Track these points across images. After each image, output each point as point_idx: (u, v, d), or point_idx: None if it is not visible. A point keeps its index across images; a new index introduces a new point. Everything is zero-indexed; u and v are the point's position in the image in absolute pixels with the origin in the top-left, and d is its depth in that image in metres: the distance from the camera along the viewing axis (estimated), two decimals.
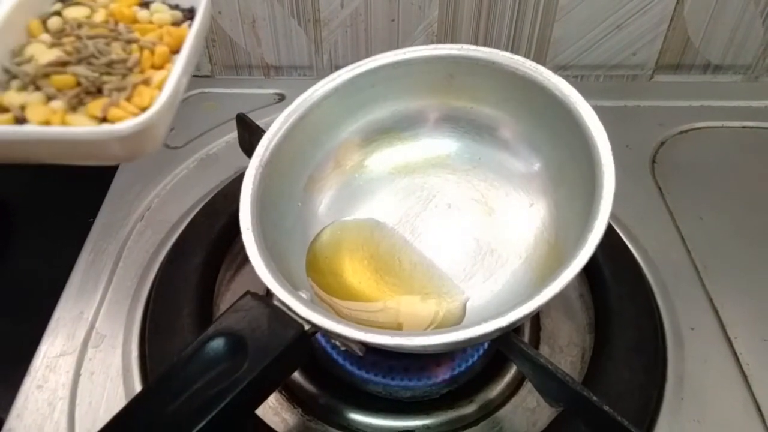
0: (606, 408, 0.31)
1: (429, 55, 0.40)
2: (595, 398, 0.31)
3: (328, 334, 0.32)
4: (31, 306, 0.53)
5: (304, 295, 0.33)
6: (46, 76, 0.22)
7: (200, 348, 0.31)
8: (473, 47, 0.40)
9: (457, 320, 0.38)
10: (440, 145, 0.44)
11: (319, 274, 0.40)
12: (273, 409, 0.40)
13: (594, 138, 0.34)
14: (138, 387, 0.40)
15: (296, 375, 0.40)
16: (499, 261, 0.40)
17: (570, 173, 0.37)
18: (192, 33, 0.26)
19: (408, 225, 0.43)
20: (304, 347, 0.33)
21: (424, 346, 0.30)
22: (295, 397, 0.40)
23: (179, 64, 0.25)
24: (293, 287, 0.33)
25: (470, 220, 0.42)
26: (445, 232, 0.42)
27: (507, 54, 0.39)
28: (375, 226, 0.42)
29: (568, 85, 0.36)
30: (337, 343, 0.33)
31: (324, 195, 0.43)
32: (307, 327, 0.31)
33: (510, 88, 0.39)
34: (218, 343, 0.31)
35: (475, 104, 0.42)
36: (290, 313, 0.32)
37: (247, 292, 0.33)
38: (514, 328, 0.42)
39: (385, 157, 0.44)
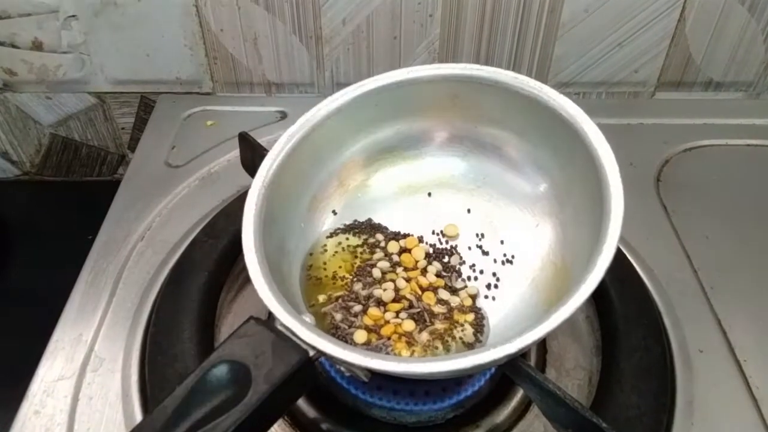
0: None
1: (433, 75, 0.40)
2: (605, 425, 0.31)
3: (332, 360, 0.31)
4: (30, 326, 0.52)
5: (307, 319, 0.33)
6: None
7: (202, 376, 0.30)
8: (477, 66, 0.39)
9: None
10: (444, 164, 0.44)
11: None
12: None
13: (601, 158, 0.33)
14: (137, 412, 0.39)
15: (299, 400, 0.39)
16: (505, 283, 0.40)
17: (576, 194, 0.37)
18: None
19: None
20: (309, 373, 0.32)
21: (431, 373, 0.29)
22: (298, 422, 0.40)
23: None
24: (296, 310, 0.32)
25: (474, 241, 0.42)
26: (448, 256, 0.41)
27: (511, 73, 0.38)
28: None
29: (574, 105, 0.36)
30: (342, 368, 0.32)
31: (327, 215, 0.43)
32: (311, 353, 0.31)
33: (515, 107, 0.39)
34: (221, 371, 0.30)
35: (479, 124, 0.42)
36: (294, 339, 0.31)
37: (250, 318, 0.33)
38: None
39: (389, 177, 0.44)
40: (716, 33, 0.63)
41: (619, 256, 0.46)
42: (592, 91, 0.67)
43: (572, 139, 0.35)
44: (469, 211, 0.43)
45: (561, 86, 0.66)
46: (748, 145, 0.60)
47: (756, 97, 0.68)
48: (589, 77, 0.66)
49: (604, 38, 0.63)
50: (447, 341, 0.36)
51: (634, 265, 0.47)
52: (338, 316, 0.37)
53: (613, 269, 0.44)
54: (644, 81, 0.66)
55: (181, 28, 0.62)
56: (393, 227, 0.43)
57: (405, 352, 0.35)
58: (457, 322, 0.37)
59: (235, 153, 0.50)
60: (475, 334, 0.36)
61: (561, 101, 0.36)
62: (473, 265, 0.41)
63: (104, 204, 0.54)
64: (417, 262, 0.40)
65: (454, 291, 0.39)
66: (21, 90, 0.67)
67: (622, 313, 0.42)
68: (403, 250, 0.41)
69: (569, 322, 0.44)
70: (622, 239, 0.48)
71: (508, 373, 0.35)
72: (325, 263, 0.40)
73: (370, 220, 0.43)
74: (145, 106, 0.68)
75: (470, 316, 0.37)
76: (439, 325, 0.36)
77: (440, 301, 0.38)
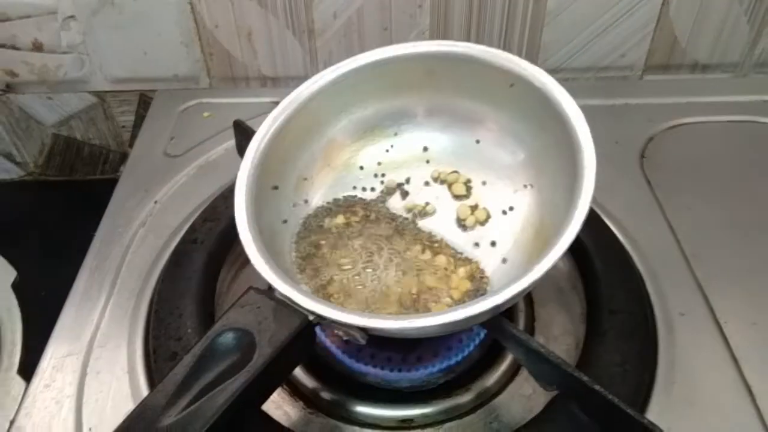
0: (597, 387, 0.32)
1: (408, 53, 0.42)
2: (586, 378, 0.32)
3: (331, 323, 0.32)
4: (37, 325, 0.53)
5: (304, 288, 0.34)
6: None
7: (209, 344, 0.32)
8: (450, 43, 0.41)
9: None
10: (425, 139, 0.45)
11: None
12: (275, 403, 0.40)
13: (572, 122, 0.35)
14: (143, 385, 0.41)
15: (297, 370, 0.41)
16: (490, 247, 0.41)
17: (552, 159, 0.38)
18: None
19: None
20: (309, 337, 0.33)
21: (424, 327, 0.31)
22: (297, 391, 0.41)
23: None
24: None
25: (458, 210, 0.43)
26: (435, 224, 0.43)
27: (483, 47, 0.40)
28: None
29: (544, 74, 0.38)
30: (340, 332, 0.33)
31: (315, 194, 0.44)
32: (311, 317, 0.32)
33: (489, 80, 0.40)
34: (226, 338, 0.32)
35: (456, 98, 0.43)
36: (293, 306, 0.32)
37: (250, 288, 0.34)
38: (511, 319, 0.43)
39: (373, 154, 0.45)
40: (700, 16, 0.64)
41: (603, 227, 0.48)
42: (581, 76, 0.68)
43: (545, 107, 0.37)
44: (449, 184, 0.44)
45: (550, 72, 0.65)
46: (730, 121, 0.61)
47: (743, 77, 0.69)
48: (578, 63, 0.67)
49: (591, 24, 0.64)
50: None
51: (618, 236, 0.48)
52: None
53: (598, 240, 0.46)
54: (631, 65, 0.67)
55: (176, 25, 0.64)
56: (377, 203, 0.44)
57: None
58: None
59: (232, 142, 0.52)
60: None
61: (532, 70, 0.38)
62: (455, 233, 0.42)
63: (107, 202, 0.56)
64: (408, 243, 0.41)
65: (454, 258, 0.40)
66: (23, 91, 0.68)
67: (606, 280, 0.43)
68: (395, 230, 0.42)
69: (557, 291, 0.47)
70: (607, 212, 0.50)
71: (496, 336, 0.37)
72: (314, 242, 0.41)
73: (355, 197, 0.44)
74: (144, 103, 0.70)
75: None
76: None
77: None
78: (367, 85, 0.43)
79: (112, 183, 0.58)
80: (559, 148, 0.36)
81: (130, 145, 0.73)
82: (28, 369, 0.44)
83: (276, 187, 0.41)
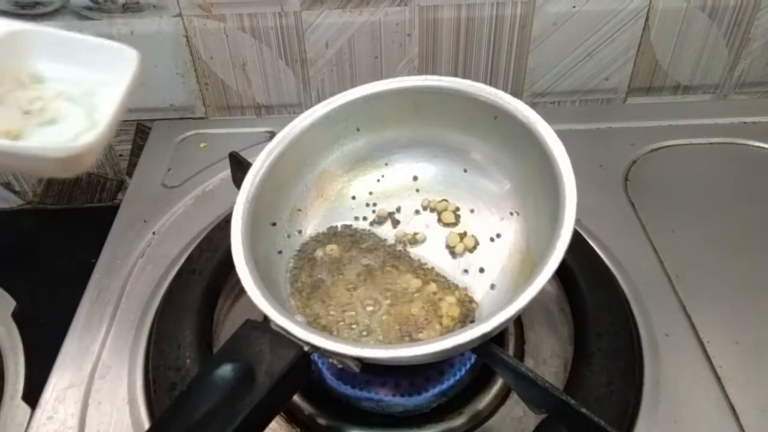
0: (584, 410, 0.33)
1: (396, 88, 0.44)
2: (573, 402, 0.33)
3: (325, 353, 0.33)
4: (37, 352, 0.53)
5: (299, 319, 0.35)
6: None
7: (208, 375, 0.32)
8: (436, 77, 0.43)
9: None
10: (415, 168, 0.47)
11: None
12: (273, 431, 0.41)
13: (553, 153, 0.37)
14: (144, 414, 0.42)
15: (294, 398, 0.42)
16: (478, 273, 0.42)
17: (536, 188, 0.40)
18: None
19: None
20: (305, 367, 0.34)
21: (416, 356, 0.32)
22: (294, 418, 0.42)
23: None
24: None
25: (448, 238, 0.44)
26: (425, 251, 0.44)
27: (468, 82, 0.42)
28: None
29: (526, 107, 0.39)
30: (334, 361, 0.34)
31: (309, 224, 0.45)
32: (306, 348, 0.33)
33: (474, 113, 0.42)
34: (224, 370, 0.33)
35: (443, 130, 0.45)
36: (289, 337, 0.33)
37: (247, 321, 0.35)
38: (500, 342, 0.44)
39: (364, 185, 0.47)
40: (680, 39, 0.66)
41: (588, 249, 0.50)
42: (566, 100, 0.70)
43: (528, 139, 0.38)
44: (439, 212, 0.45)
45: (536, 96, 0.69)
46: (711, 143, 0.63)
47: (723, 98, 0.71)
48: (563, 87, 0.69)
49: (574, 49, 0.66)
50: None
51: (603, 258, 0.50)
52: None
53: (583, 262, 0.47)
54: (615, 88, 0.69)
55: (172, 57, 0.65)
56: (369, 232, 0.45)
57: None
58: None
59: (228, 172, 0.53)
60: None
61: (515, 104, 0.40)
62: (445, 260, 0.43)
63: (105, 229, 0.57)
64: (399, 271, 0.42)
65: (447, 288, 0.41)
66: None
67: (592, 301, 0.45)
68: (386, 258, 0.43)
69: (545, 314, 0.48)
70: (592, 234, 0.52)
71: (486, 361, 0.38)
72: (308, 271, 0.42)
73: (348, 226, 0.45)
74: (141, 132, 0.71)
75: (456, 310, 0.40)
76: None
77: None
78: (357, 118, 0.45)
79: (109, 210, 0.59)
80: (542, 178, 0.37)
81: (128, 173, 0.75)
82: (30, 396, 0.45)
83: (273, 223, 0.42)
